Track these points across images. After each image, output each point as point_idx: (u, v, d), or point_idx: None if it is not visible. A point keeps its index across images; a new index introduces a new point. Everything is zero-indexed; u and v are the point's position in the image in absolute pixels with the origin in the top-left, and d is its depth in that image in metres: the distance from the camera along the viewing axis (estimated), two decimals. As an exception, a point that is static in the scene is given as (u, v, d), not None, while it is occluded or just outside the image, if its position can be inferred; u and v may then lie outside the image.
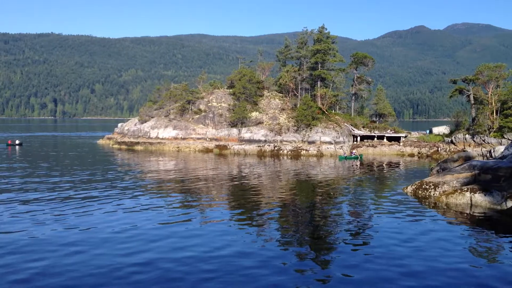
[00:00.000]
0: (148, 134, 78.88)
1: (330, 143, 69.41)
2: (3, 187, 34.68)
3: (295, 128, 72.35)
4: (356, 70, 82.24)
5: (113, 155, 64.73)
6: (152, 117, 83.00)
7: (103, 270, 16.68)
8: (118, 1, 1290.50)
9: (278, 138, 71.00)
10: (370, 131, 74.99)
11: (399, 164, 57.62)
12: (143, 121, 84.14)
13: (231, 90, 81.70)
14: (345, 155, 64.14)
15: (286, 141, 70.43)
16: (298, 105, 75.65)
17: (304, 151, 67.61)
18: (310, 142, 69.67)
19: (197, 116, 78.99)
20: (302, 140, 70.27)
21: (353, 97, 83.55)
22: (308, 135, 70.67)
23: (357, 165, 55.09)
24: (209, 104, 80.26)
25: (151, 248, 19.36)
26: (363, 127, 76.11)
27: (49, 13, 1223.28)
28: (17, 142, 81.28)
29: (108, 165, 51.17)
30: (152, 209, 27.03)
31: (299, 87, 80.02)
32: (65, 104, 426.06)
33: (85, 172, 44.48)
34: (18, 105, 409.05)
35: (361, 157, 63.14)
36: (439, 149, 68.54)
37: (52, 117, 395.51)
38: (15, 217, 24.56)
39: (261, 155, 66.54)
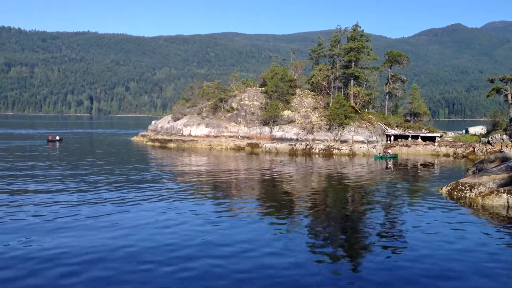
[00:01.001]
0: (181, 132, 79.61)
1: (363, 142, 68.69)
2: (47, 185, 35.50)
3: (328, 127, 71.85)
4: (390, 68, 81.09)
5: (147, 153, 65.66)
6: (185, 115, 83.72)
7: (150, 266, 16.87)
8: (153, 0, 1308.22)
9: (310, 136, 70.65)
10: (404, 131, 73.86)
11: (433, 164, 56.60)
12: (176, 119, 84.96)
13: (263, 88, 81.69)
14: (380, 154, 63.41)
15: (318, 139, 70.04)
16: (330, 104, 75.09)
17: (336, 150, 67.11)
18: (342, 141, 69.10)
19: (229, 114, 79.29)
20: (334, 139, 69.75)
21: (387, 96, 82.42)
22: (340, 134, 70.09)
23: (390, 165, 54.35)
24: (241, 102, 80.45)
25: (186, 247, 19.51)
26: (397, 126, 75.03)
27: (86, 12, 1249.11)
28: (57, 138, 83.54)
29: (144, 164, 51.94)
30: (186, 208, 27.23)
31: (332, 85, 79.40)
32: (100, 102, 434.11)
33: (122, 170, 45.18)
34: (55, 102, 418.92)
35: (396, 157, 62.35)
36: (475, 149, 66.97)
37: (88, 114, 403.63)
38: (58, 217, 24.98)
39: (292, 153, 66.37)
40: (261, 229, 22.20)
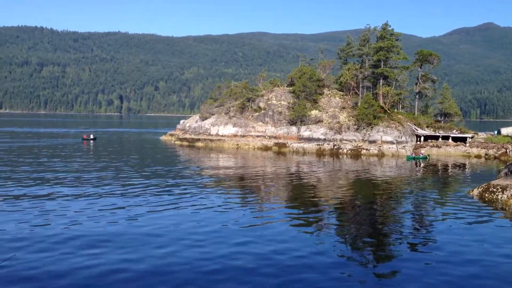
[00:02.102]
0: (208, 131, 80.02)
1: (392, 142, 67.82)
2: (82, 184, 36.12)
3: (356, 127, 71.19)
4: (420, 68, 79.86)
5: (175, 152, 66.25)
6: (212, 114, 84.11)
7: (187, 266, 16.91)
8: (182, 0, 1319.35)
9: (338, 136, 70.12)
10: (435, 131, 72.66)
11: (464, 165, 55.50)
12: (203, 118, 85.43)
13: (291, 88, 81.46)
14: (412, 155, 62.57)
15: (346, 140, 69.47)
16: (359, 104, 74.39)
17: (365, 151, 66.45)
18: (371, 142, 68.37)
19: (257, 113, 79.31)
20: (363, 139, 69.06)
21: (417, 96, 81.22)
22: (369, 134, 69.36)
23: (421, 166, 53.52)
24: (268, 102, 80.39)
25: (212, 247, 19.57)
26: (427, 126, 73.85)
27: (116, 12, 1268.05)
28: (91, 136, 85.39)
29: (173, 163, 52.42)
30: (213, 209, 27.32)
31: (361, 85, 78.64)
32: (130, 101, 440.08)
33: (153, 169, 45.65)
34: (86, 101, 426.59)
35: (427, 158, 61.55)
36: (508, 150, 65.35)
37: (118, 113, 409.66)
38: (95, 215, 25.11)
39: (320, 153, 66.01)
40: (286, 232, 21.98)
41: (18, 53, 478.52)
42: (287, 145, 70.42)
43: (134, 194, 30.53)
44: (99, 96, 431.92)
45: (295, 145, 69.90)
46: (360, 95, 77.29)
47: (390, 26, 79.22)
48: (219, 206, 27.36)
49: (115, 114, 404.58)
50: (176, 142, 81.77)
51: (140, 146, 75.84)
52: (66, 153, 58.61)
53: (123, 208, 26.15)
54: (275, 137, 73.64)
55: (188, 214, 25.12)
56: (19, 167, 43.68)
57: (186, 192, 31.76)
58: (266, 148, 70.90)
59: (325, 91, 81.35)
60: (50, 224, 22.11)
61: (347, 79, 77.86)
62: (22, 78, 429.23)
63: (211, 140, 76.71)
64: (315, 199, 30.72)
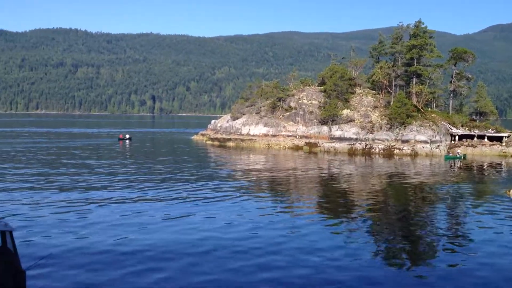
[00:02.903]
0: (239, 131, 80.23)
1: (425, 142, 66.67)
2: (119, 183, 36.70)
3: (388, 126, 70.26)
4: (455, 66, 78.29)
5: (207, 152, 66.75)
6: (243, 114, 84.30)
7: (231, 267, 17.03)
8: (214, 0, 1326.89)
9: (370, 136, 69.33)
10: (470, 130, 71.09)
11: (501, 165, 54.13)
12: (235, 118, 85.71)
13: (322, 87, 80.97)
14: (450, 154, 61.49)
15: (378, 139, 68.62)
16: (391, 103, 73.38)
17: (397, 150, 65.52)
18: (404, 141, 67.35)
19: (288, 113, 79.12)
20: (396, 139, 68.09)
21: (451, 94, 79.66)
22: (402, 133, 68.35)
23: (455, 166, 52.46)
24: (299, 102, 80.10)
25: (243, 250, 19.58)
26: (462, 125, 72.32)
27: (149, 14, 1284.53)
28: (127, 136, 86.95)
29: (206, 163, 52.86)
30: (247, 209, 27.33)
31: (393, 83, 77.56)
32: (162, 101, 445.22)
33: (187, 169, 45.99)
34: (119, 101, 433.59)
35: (464, 157, 60.57)
36: (548, 150, 63.44)
37: (150, 114, 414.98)
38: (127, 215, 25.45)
39: (351, 153, 65.41)
40: (320, 233, 21.78)
41: (53, 54, 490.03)
42: (318, 144, 70.02)
43: (170, 196, 30.72)
44: (132, 97, 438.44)
45: (326, 144, 69.44)
46: (393, 93, 76.25)
47: (423, 24, 77.94)
48: (251, 207, 27.34)
49: (148, 114, 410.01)
50: (208, 142, 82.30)
51: (173, 146, 76.75)
52: (104, 153, 59.77)
53: (160, 207, 26.35)
54: (306, 137, 73.30)
55: (221, 216, 25.02)
56: (61, 167, 44.63)
57: (219, 193, 31.77)
58: (297, 148, 70.67)
59: (357, 90, 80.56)
60: (90, 222, 22.49)
61: (379, 78, 76.92)
62: (58, 79, 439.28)
63: (242, 140, 76.88)
64: (347, 199, 30.44)
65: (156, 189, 32.28)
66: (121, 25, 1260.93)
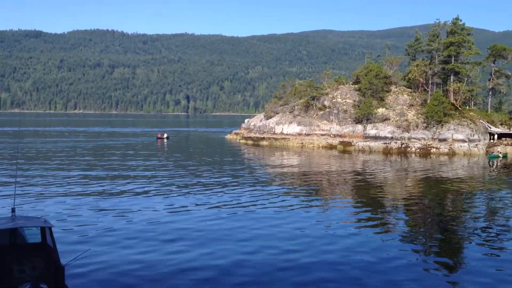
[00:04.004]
0: (273, 130, 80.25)
1: (463, 141, 65.20)
2: (161, 182, 37.23)
3: (425, 125, 69.03)
4: (494, 63, 76.27)
5: (241, 151, 67.04)
6: (277, 113, 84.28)
7: (268, 269, 17.09)
8: (248, 0, 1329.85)
9: (406, 135, 68.25)
10: (510, 129, 69.17)
11: (543, 165, 52.45)
12: (268, 117, 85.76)
13: (356, 85, 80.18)
14: (494, 153, 60.09)
15: (414, 138, 67.48)
16: (428, 101, 72.07)
17: (434, 149, 64.30)
18: (440, 140, 66.05)
19: (321, 112, 78.68)
20: (432, 138, 66.82)
21: (490, 92, 77.67)
22: (438, 132, 67.04)
23: (494, 165, 51.13)
24: (333, 100, 79.55)
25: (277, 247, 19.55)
26: (501, 124, 70.42)
27: (184, 14, 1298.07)
28: (165, 135, 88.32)
29: (241, 162, 53.04)
30: (277, 209, 27.28)
31: (430, 81, 76.13)
32: (196, 101, 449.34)
33: (224, 167, 46.25)
34: (155, 101, 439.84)
35: (505, 156, 59.23)
36: None
37: (185, 113, 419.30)
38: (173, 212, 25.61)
39: (387, 152, 64.56)
40: (354, 233, 21.51)
41: (91, 55, 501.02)
42: (352, 143, 69.37)
43: (208, 193, 30.84)
44: (167, 96, 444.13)
45: (361, 143, 68.74)
46: (430, 92, 74.86)
47: (461, 21, 76.27)
48: (285, 206, 27.25)
49: (182, 113, 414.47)
50: (241, 141, 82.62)
51: (208, 145, 77.52)
52: (144, 152, 60.67)
53: (199, 206, 26.52)
54: (340, 136, 72.73)
55: (254, 215, 25.06)
56: (101, 165, 45.57)
57: (257, 191, 31.75)
58: (331, 147, 70.20)
59: (392, 88, 79.46)
60: (131, 220, 22.84)
61: (415, 76, 75.66)
62: (95, 80, 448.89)
63: (276, 139, 76.87)
64: (382, 199, 30.05)
65: (196, 189, 32.21)
66: (156, 26, 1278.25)
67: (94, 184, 33.21)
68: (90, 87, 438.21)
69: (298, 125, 77.45)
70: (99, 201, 27.07)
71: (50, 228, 10.89)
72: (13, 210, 11.29)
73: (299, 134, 76.14)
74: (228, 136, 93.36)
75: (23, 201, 25.82)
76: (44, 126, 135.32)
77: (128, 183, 33.85)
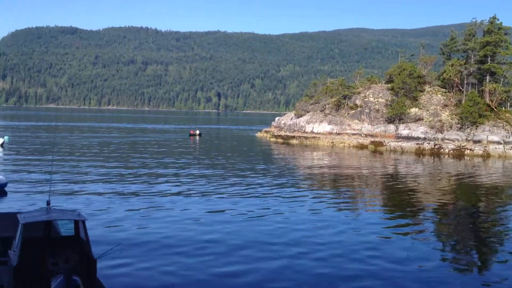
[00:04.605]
0: (303, 128, 79.95)
1: (498, 143, 63.64)
2: (194, 177, 37.57)
3: (459, 125, 67.66)
4: (532, 63, 74.21)
5: (271, 149, 67.07)
6: (307, 112, 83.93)
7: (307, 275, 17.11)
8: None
9: (439, 136, 67.03)
10: (548, 131, 67.17)
11: None
12: (299, 116, 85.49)
13: (389, 85, 79.17)
14: None
15: (448, 139, 66.21)
16: (463, 101, 70.62)
17: (468, 151, 62.96)
18: (475, 141, 64.62)
19: (353, 111, 77.99)
20: (466, 139, 65.43)
21: (527, 93, 75.60)
22: (473, 133, 65.61)
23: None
24: (365, 99, 78.74)
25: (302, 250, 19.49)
26: (539, 126, 68.43)
27: (217, 12, 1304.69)
28: (197, 132, 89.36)
29: (272, 160, 53.08)
30: (307, 209, 27.18)
31: (465, 81, 74.55)
32: (227, 98, 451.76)
33: (254, 167, 46.38)
34: (186, 98, 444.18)
35: None
36: None
37: (216, 110, 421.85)
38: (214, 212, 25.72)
39: (419, 153, 63.54)
40: (385, 235, 21.21)
41: (124, 52, 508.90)
42: (384, 143, 68.54)
43: (242, 193, 30.87)
44: (198, 94, 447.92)
45: (393, 143, 67.85)
46: (465, 92, 73.33)
47: (498, 20, 74.40)
48: (317, 209, 27.10)
49: (213, 111, 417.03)
50: (271, 139, 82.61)
51: (239, 142, 77.96)
52: (178, 148, 61.40)
53: (233, 203, 26.46)
54: (372, 135, 71.96)
55: (292, 214, 24.70)
56: (136, 161, 46.25)
57: (287, 189, 31.70)
58: (362, 147, 69.52)
59: (426, 88, 78.17)
60: (164, 217, 23.10)
61: (450, 76, 74.22)
62: (128, 76, 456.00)
63: (306, 138, 76.57)
64: (413, 201, 29.59)
65: (227, 185, 32.26)
66: (189, 23, 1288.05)
67: (129, 179, 33.61)
68: (123, 84, 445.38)
69: (328, 124, 76.97)
70: (133, 197, 27.30)
71: (83, 222, 11.11)
72: (48, 203, 11.55)
73: (330, 133, 75.66)
74: (258, 134, 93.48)
75: (58, 194, 26.36)
76: (79, 122, 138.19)
77: (163, 179, 34.01)
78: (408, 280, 15.31)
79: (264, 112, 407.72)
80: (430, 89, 77.91)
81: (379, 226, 22.40)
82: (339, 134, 74.84)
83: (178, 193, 28.90)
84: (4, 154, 48.50)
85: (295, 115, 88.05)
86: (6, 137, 62.14)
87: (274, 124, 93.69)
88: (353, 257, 17.36)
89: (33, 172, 35.72)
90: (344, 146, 70.81)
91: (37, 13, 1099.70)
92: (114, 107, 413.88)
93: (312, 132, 77.91)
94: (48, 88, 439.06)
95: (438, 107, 73.31)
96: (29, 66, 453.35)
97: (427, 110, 72.70)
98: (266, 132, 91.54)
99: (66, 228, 13.07)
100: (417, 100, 74.56)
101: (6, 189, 27.47)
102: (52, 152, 49.79)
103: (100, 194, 27.62)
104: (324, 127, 77.02)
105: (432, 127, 68.68)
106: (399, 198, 30.38)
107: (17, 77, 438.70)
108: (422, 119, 71.05)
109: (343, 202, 28.17)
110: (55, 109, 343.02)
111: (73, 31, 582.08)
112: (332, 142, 72.65)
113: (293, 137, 78.65)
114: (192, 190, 30.08)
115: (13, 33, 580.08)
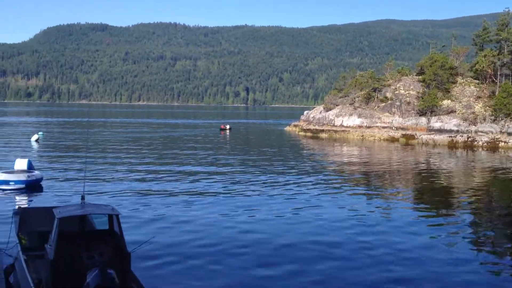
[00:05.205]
0: (332, 122, 79.42)
1: (534, 135, 61.98)
2: (226, 173, 37.79)
3: (493, 117, 66.13)
4: None
5: (301, 143, 66.87)
6: (337, 105, 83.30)
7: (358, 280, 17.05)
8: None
9: (472, 128, 65.65)
10: None
11: None
12: (328, 109, 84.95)
13: (420, 77, 77.89)
14: None
15: (481, 131, 64.79)
16: (496, 93, 68.97)
17: (503, 143, 61.44)
18: (510, 134, 63.01)
19: (383, 104, 77.06)
20: (501, 131, 63.89)
21: None
22: (508, 125, 64.00)
23: None
24: (396, 92, 77.68)
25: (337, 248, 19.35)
26: None
27: (244, 6, 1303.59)
28: (227, 127, 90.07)
29: (304, 155, 52.94)
30: (350, 204, 26.99)
31: (498, 73, 72.74)
32: (255, 92, 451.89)
33: (286, 161, 46.31)
34: (215, 93, 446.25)
35: None
36: None
37: (244, 105, 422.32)
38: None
39: (452, 146, 62.37)
40: (418, 231, 20.85)
41: (154, 48, 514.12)
42: (415, 136, 67.52)
43: (273, 186, 30.87)
44: (226, 88, 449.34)
45: (424, 136, 66.78)
46: (498, 83, 71.57)
47: (532, 9, 72.28)
48: (351, 205, 26.93)
49: (241, 105, 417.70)
50: (300, 133, 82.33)
51: (268, 136, 78.10)
52: (209, 143, 61.89)
53: (266, 201, 26.38)
54: (403, 128, 70.98)
55: (326, 210, 24.54)
56: (169, 156, 46.73)
57: (319, 185, 31.44)
58: (393, 140, 68.65)
59: (458, 79, 76.63)
60: (197, 211, 23.30)
61: (483, 67, 72.52)
62: (158, 72, 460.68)
63: (335, 131, 76.04)
64: (447, 196, 29.06)
65: (261, 182, 31.98)
66: (217, 18, 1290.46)
67: (162, 175, 33.76)
68: (153, 79, 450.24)
69: (358, 117, 76.23)
70: (166, 191, 27.47)
71: (117, 216, 11.29)
72: (82, 198, 11.77)
73: (360, 127, 74.94)
74: (287, 128, 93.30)
75: (92, 189, 26.83)
76: (110, 117, 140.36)
77: (196, 175, 33.86)
78: (442, 280, 15.05)
79: (293, 106, 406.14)
80: (462, 80, 76.37)
81: (419, 225, 21.66)
82: (369, 127, 74.07)
83: (212, 188, 28.89)
84: (39, 150, 49.66)
85: (324, 108, 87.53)
86: (40, 133, 63.68)
87: (302, 118, 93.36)
88: (403, 257, 16.80)
89: (67, 167, 36.42)
90: (374, 139, 70.06)
91: (68, 10, 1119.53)
92: (144, 103, 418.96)
93: (341, 125, 77.32)
94: (80, 85, 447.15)
95: (471, 99, 71.82)
96: (61, 63, 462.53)
97: (460, 102, 71.30)
98: (295, 126, 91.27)
99: (100, 222, 13.30)
100: (449, 92, 73.20)
101: (42, 184, 28.14)
102: (85, 147, 50.74)
103: (133, 189, 27.93)
104: (353, 120, 76.33)
105: (465, 120, 67.33)
106: (432, 193, 29.85)
107: (50, 74, 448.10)
108: (455, 111, 69.72)
109: (378, 199, 27.63)
110: (87, 105, 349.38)
111: (103, 27, 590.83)
112: (362, 136, 71.96)
113: (322, 130, 78.20)
114: (228, 186, 29.88)
115: (45, 30, 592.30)
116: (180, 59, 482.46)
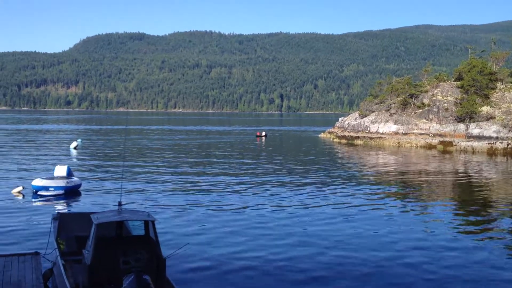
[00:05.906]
0: (368, 129, 78.58)
1: None
2: (265, 182, 37.94)
3: (535, 124, 64.15)
4: None
5: (336, 150, 66.35)
6: (372, 112, 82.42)
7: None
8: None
9: (513, 135, 63.80)
10: None
11: None
12: (363, 116, 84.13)
13: (458, 82, 76.33)
14: None
15: (522, 138, 62.88)
16: (539, 99, 66.95)
17: (546, 151, 59.52)
18: (553, 141, 61.01)
19: (420, 110, 75.80)
20: (543, 138, 61.87)
21: None
22: (551, 132, 61.99)
23: None
24: (433, 98, 76.31)
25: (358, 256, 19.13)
26: None
27: (279, 13, 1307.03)
28: (263, 134, 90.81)
29: (338, 162, 52.54)
30: (391, 215, 26.70)
31: (541, 78, 70.72)
32: (290, 99, 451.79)
33: (322, 169, 46.16)
34: (249, 100, 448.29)
35: None
36: None
37: (278, 112, 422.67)
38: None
39: (491, 153, 60.73)
40: (455, 243, 20.42)
41: (190, 56, 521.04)
42: (453, 143, 66.09)
43: (310, 193, 30.76)
44: (261, 95, 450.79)
45: (463, 143, 65.27)
46: (541, 88, 69.50)
47: None
48: (389, 212, 26.62)
49: (276, 112, 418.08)
50: (335, 140, 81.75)
51: (303, 143, 77.82)
52: (246, 150, 62.16)
53: (303, 211, 26.47)
54: (440, 135, 69.61)
55: (363, 220, 24.56)
56: (208, 163, 47.16)
57: (356, 194, 31.24)
58: (430, 147, 67.36)
59: (498, 85, 74.75)
60: (235, 218, 23.45)
61: (524, 72, 70.62)
62: (193, 80, 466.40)
63: (371, 138, 75.19)
64: (485, 205, 28.29)
65: (300, 187, 32.03)
66: (252, 25, 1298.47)
67: (198, 181, 34.00)
68: (188, 87, 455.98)
69: (394, 124, 75.20)
70: (202, 198, 27.60)
71: (153, 222, 11.47)
72: (119, 204, 11.99)
73: (396, 133, 73.91)
74: (322, 135, 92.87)
75: (129, 195, 27.29)
76: (148, 124, 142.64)
77: (235, 182, 33.76)
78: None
79: (327, 112, 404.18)
80: (502, 86, 74.46)
81: (447, 230, 21.59)
82: (405, 134, 72.96)
83: (249, 194, 28.86)
84: (78, 157, 50.85)
85: (359, 115, 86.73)
86: (79, 140, 65.27)
87: (337, 125, 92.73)
88: (442, 264, 16.52)
89: (105, 174, 37.16)
90: (411, 146, 68.94)
91: (107, 20, 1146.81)
92: (180, 110, 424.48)
93: (377, 132, 76.42)
94: (118, 93, 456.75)
95: (511, 105, 69.90)
96: (100, 71, 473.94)
97: (500, 108, 69.48)
98: (330, 133, 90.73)
99: (137, 228, 13.53)
100: (488, 98, 71.47)
101: (80, 190, 28.81)
102: (123, 154, 51.63)
103: (170, 195, 28.18)
104: (389, 127, 75.33)
105: (505, 126, 65.52)
106: (468, 202, 29.09)
107: (88, 83, 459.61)
108: (494, 118, 67.96)
109: (416, 206, 27.13)
110: (125, 112, 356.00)
111: (140, 36, 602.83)
112: (398, 142, 70.92)
113: (358, 137, 77.47)
114: (263, 190, 30.01)
115: (85, 40, 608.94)
116: (215, 67, 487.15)
